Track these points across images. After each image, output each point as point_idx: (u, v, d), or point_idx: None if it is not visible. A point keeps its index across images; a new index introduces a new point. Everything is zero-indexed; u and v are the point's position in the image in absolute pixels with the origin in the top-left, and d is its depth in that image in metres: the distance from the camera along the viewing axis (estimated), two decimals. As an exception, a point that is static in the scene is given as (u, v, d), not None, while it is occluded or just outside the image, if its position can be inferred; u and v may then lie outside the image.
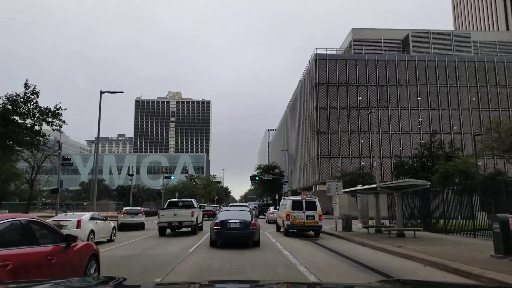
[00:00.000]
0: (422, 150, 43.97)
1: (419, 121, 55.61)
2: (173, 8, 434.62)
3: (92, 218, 17.06)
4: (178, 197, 57.42)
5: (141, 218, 26.19)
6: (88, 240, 14.60)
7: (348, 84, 55.35)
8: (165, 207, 21.97)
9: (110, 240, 18.21)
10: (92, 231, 16.22)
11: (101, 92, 26.40)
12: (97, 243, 14.23)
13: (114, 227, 19.19)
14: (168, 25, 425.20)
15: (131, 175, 44.39)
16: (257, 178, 56.25)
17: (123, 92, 26.63)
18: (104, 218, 19.09)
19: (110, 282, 2.91)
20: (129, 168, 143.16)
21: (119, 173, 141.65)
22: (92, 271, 7.00)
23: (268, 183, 72.91)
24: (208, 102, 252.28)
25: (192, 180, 75.17)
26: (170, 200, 23.42)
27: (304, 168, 62.65)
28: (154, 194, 79.96)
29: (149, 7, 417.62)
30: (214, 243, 15.13)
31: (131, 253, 13.49)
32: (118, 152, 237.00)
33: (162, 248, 15.47)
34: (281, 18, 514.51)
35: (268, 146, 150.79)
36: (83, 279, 3.74)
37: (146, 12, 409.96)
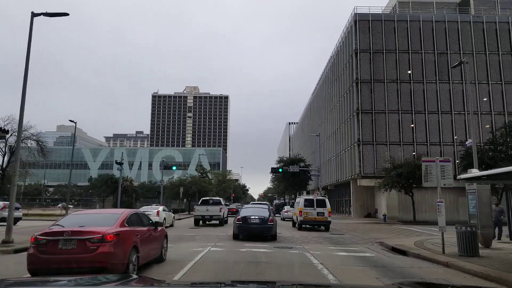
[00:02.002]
0: (500, 133, 32.69)
1: (490, 98, 43.28)
2: (201, 7, 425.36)
3: (164, 210, 25.55)
4: (184, 192, 47.45)
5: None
6: (162, 223, 22.35)
7: (397, 51, 43.50)
8: (199, 203, 27.69)
9: (171, 225, 25.86)
10: (164, 218, 24.12)
11: (33, 15, 16.13)
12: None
13: (173, 216, 28.04)
14: (195, 25, 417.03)
15: (120, 163, 34.21)
16: (280, 170, 45.24)
17: (68, 14, 16.17)
18: (170, 210, 28.90)
19: (127, 279, 3.20)
20: (142, 161, 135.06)
21: (131, 168, 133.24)
22: (165, 244, 10.68)
23: (292, 179, 62.00)
24: (226, 97, 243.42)
25: (204, 175, 64.80)
26: (203, 198, 29.47)
27: (338, 160, 51.16)
28: (165, 190, 70.44)
29: (176, 5, 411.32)
30: (237, 236, 16.89)
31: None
32: (130, 146, 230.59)
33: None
34: (309, 9, 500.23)
35: (290, 141, 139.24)
36: (94, 277, 3.40)
37: (174, 10, 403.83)
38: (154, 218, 21.16)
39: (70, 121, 35.94)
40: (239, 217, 16.93)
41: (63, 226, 7.94)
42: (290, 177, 61.80)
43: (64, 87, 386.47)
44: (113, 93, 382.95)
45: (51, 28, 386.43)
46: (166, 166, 41.19)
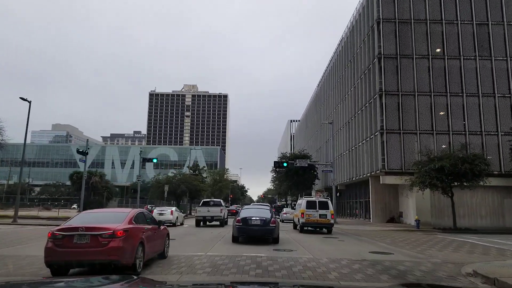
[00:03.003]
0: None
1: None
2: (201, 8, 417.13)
3: (176, 210, 28.34)
4: (170, 191, 39.96)
5: None
6: (175, 222, 26.88)
7: (428, 21, 36.01)
8: (200, 205, 29.05)
9: (182, 224, 29.11)
10: (177, 217, 27.35)
11: None
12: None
13: (183, 216, 31.86)
14: (195, 25, 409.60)
15: (83, 153, 26.66)
16: (284, 164, 37.70)
17: None
18: (181, 211, 33.41)
19: (127, 280, 3.15)
20: (135, 160, 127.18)
21: (122, 167, 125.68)
22: (167, 242, 11.40)
23: (296, 177, 54.88)
24: (225, 96, 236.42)
25: (197, 172, 57.28)
26: (204, 200, 30.91)
27: (352, 154, 43.63)
28: (151, 188, 63.33)
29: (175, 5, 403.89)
30: (236, 239, 15.97)
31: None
32: (123, 144, 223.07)
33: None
34: (310, 9, 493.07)
35: (291, 139, 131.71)
36: (86, 280, 3.54)
37: (172, 11, 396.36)
38: (169, 217, 25.74)
39: (22, 98, 28.36)
40: (239, 218, 15.99)
41: (77, 223, 8.44)
42: (293, 175, 54.48)
43: (64, 87, 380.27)
44: (113, 93, 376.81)
45: (51, 28, 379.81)
46: (144, 159, 33.83)
